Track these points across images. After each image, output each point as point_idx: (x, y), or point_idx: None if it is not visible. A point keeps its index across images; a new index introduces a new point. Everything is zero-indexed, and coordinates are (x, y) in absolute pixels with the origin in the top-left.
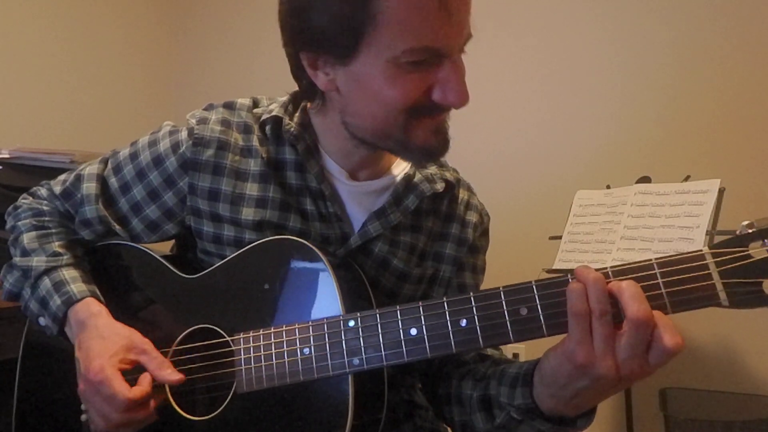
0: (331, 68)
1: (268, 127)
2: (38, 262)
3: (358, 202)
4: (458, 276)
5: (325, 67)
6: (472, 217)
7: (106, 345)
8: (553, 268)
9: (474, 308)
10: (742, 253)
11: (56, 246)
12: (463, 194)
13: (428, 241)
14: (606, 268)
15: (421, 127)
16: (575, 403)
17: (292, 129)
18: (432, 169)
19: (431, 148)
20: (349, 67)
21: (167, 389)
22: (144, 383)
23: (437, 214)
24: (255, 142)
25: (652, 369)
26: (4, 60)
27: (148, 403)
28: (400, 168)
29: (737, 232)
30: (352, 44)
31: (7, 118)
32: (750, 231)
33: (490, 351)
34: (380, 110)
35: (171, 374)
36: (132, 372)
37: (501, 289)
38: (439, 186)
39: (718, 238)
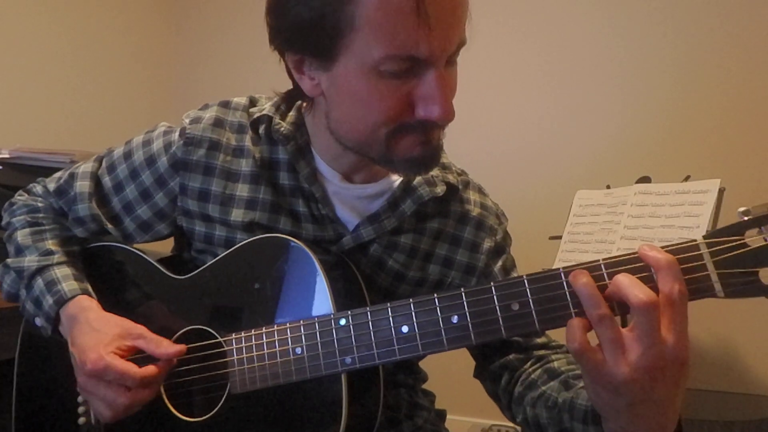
0: (315, 72)
1: (261, 127)
2: (30, 261)
3: (350, 205)
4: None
5: (310, 70)
6: (488, 220)
7: (99, 336)
8: (553, 268)
9: (465, 304)
10: (737, 242)
11: (49, 243)
12: (474, 196)
13: (434, 241)
14: (598, 261)
15: (405, 142)
16: (648, 427)
17: (282, 129)
18: (434, 171)
19: (416, 159)
20: (331, 72)
21: (161, 389)
22: (151, 365)
23: (445, 215)
24: (248, 142)
25: (682, 337)
26: (4, 60)
27: (154, 382)
28: None
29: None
30: (330, 46)
31: (7, 118)
32: (746, 218)
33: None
34: (361, 121)
35: (170, 347)
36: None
37: (492, 284)
38: (440, 189)
39: None
